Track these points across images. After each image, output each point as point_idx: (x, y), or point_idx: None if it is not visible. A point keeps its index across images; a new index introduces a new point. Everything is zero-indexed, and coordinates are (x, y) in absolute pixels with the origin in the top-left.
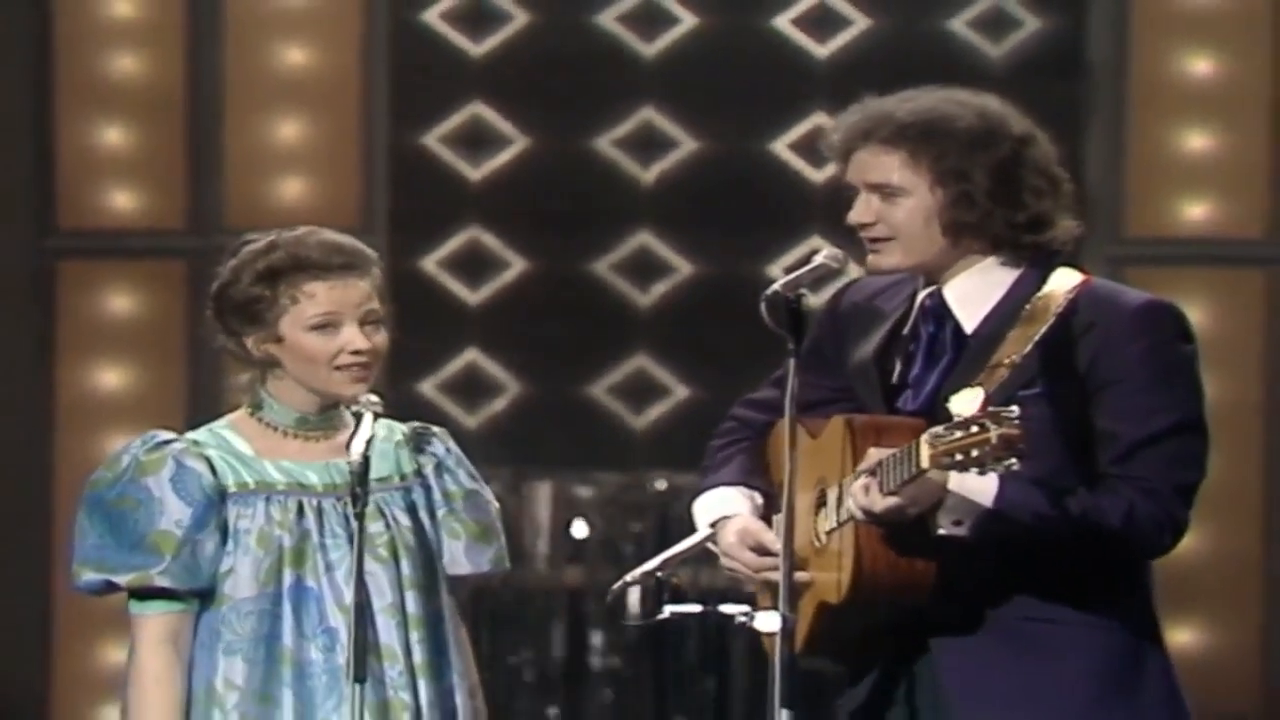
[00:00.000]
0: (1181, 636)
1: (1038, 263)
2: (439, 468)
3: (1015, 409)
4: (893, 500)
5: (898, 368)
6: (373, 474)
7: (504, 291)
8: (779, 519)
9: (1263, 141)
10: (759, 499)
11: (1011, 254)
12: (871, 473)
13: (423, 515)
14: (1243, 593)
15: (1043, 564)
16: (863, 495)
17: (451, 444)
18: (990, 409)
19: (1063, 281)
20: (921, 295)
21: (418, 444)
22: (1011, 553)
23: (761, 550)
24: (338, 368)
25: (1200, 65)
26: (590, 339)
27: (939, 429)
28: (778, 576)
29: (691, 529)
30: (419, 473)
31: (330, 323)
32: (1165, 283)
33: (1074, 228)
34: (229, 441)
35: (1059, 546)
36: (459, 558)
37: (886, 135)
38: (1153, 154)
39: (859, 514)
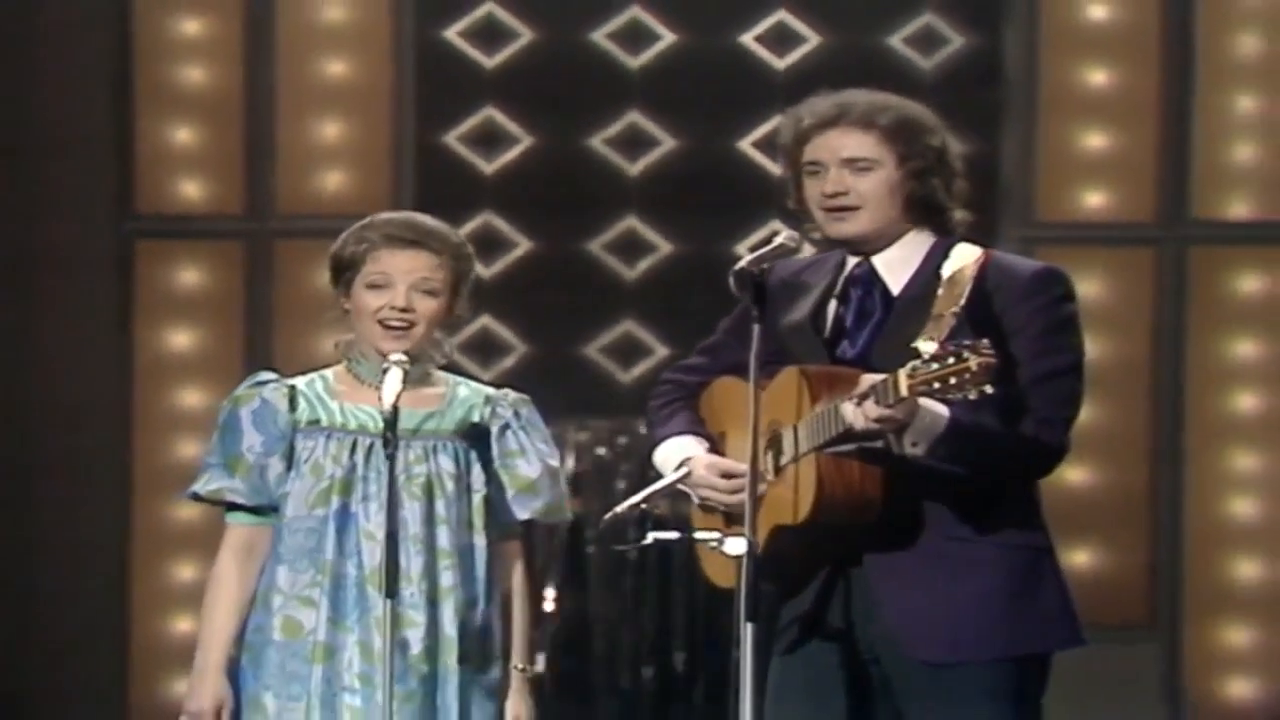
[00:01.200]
0: (1080, 558)
1: (942, 239)
2: (504, 428)
3: (986, 341)
4: (886, 411)
5: (829, 326)
6: (429, 425)
7: (512, 267)
8: (728, 454)
9: (1151, 140)
10: (706, 445)
11: (928, 230)
12: (863, 397)
13: (475, 466)
14: (1131, 521)
15: (961, 490)
16: (854, 410)
17: (524, 410)
18: (967, 342)
19: (966, 254)
20: (851, 265)
21: (492, 407)
22: (948, 473)
23: (730, 475)
24: (379, 321)
25: (1098, 76)
26: (585, 307)
27: (916, 363)
28: (732, 498)
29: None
30: (484, 431)
31: (383, 283)
32: (1068, 259)
33: (966, 215)
34: (322, 386)
35: (986, 465)
36: (508, 505)
37: (859, 118)
38: (1058, 151)
39: (858, 424)
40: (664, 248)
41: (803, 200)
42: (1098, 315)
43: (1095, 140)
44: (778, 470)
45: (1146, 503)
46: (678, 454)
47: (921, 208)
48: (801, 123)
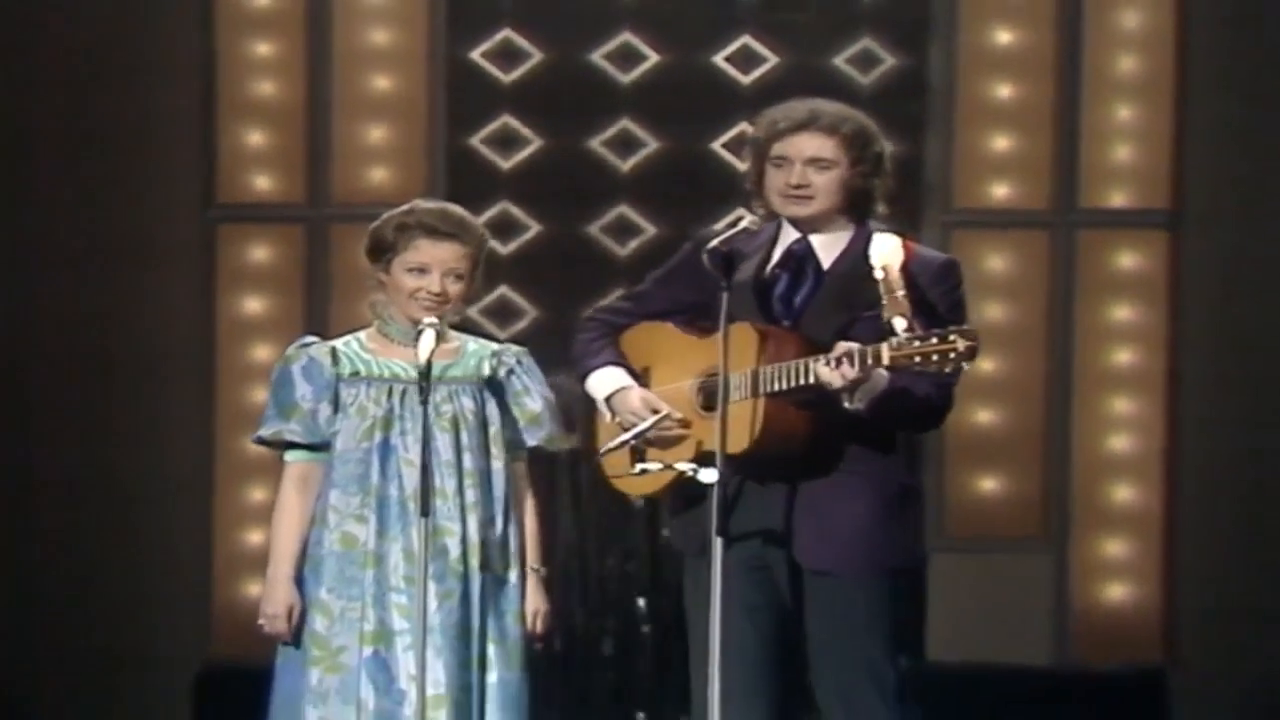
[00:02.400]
0: (988, 483)
1: (861, 226)
2: (510, 373)
3: (968, 326)
4: (859, 375)
5: (769, 290)
6: (451, 373)
7: (525, 246)
8: (650, 392)
9: (1047, 143)
10: (632, 378)
11: (855, 219)
12: (839, 360)
13: (489, 405)
14: (1028, 453)
15: (859, 435)
16: (830, 370)
17: (524, 359)
18: (952, 327)
19: (888, 239)
20: (790, 241)
21: (498, 358)
22: (857, 420)
23: (656, 410)
24: (414, 299)
25: (1005, 89)
26: (585, 280)
27: (901, 339)
28: (673, 431)
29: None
30: (493, 377)
31: (422, 269)
32: (980, 240)
33: (886, 210)
34: (358, 344)
35: (901, 419)
36: (518, 435)
37: (826, 125)
38: (972, 151)
39: (835, 383)
40: (649, 230)
41: (761, 183)
42: (1003, 286)
43: (1002, 142)
44: (709, 408)
45: (1041, 438)
46: (612, 382)
47: (859, 201)
48: (777, 124)
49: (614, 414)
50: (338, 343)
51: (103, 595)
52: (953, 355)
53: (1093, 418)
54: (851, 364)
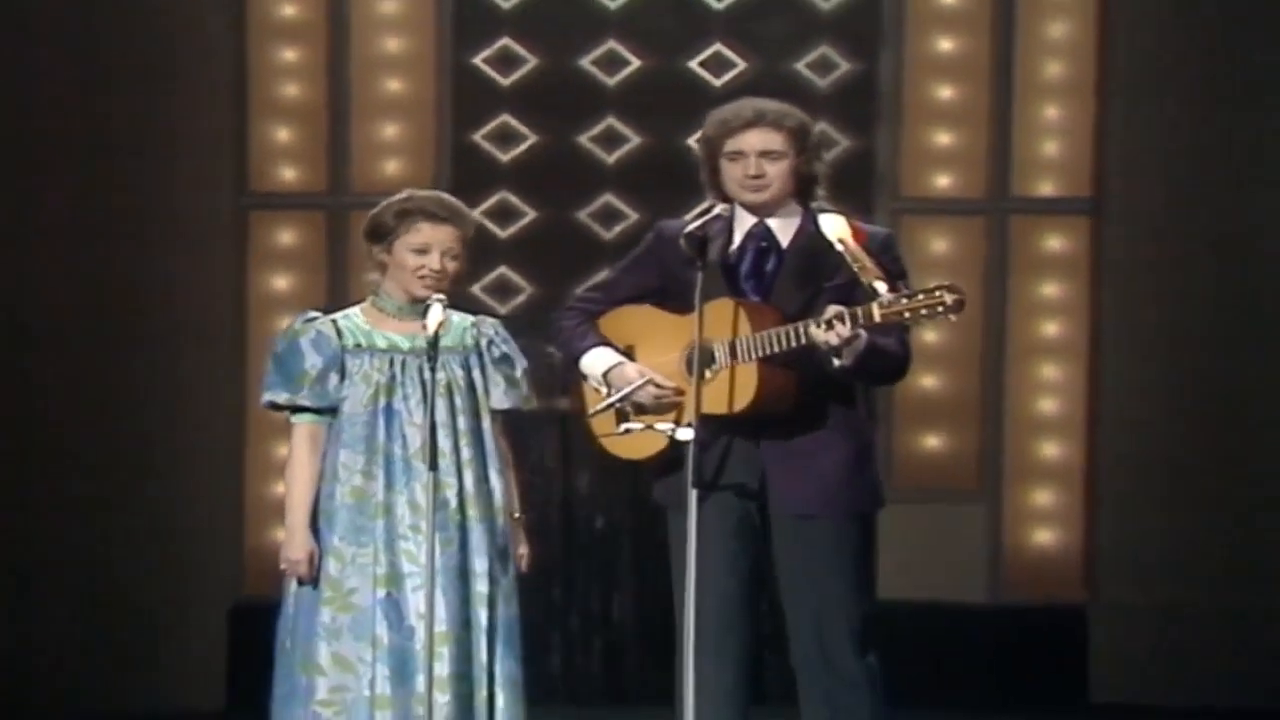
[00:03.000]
0: (930, 440)
1: (806, 207)
2: (489, 343)
3: (953, 293)
4: (851, 333)
5: (730, 274)
6: (442, 343)
7: (521, 231)
8: (640, 365)
9: (983, 139)
10: (614, 353)
11: (802, 202)
12: (831, 322)
13: (475, 371)
14: (966, 413)
15: (831, 393)
16: (823, 332)
17: (500, 329)
18: (935, 283)
19: (833, 218)
20: (749, 225)
21: (478, 329)
22: (841, 378)
23: (656, 383)
24: (419, 277)
25: (946, 91)
26: (574, 260)
27: (888, 298)
28: (670, 399)
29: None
30: (476, 346)
31: (424, 249)
32: (924, 225)
33: (826, 192)
34: (356, 318)
35: (878, 373)
36: (499, 398)
37: (772, 121)
38: (917, 146)
39: (833, 341)
40: (632, 216)
41: (716, 176)
42: (944, 265)
43: (943, 138)
44: (714, 373)
45: (977, 401)
46: (606, 359)
47: (806, 186)
48: (728, 123)
49: (611, 387)
50: (337, 317)
51: (148, 541)
52: (940, 308)
53: (1023, 383)
54: (844, 324)
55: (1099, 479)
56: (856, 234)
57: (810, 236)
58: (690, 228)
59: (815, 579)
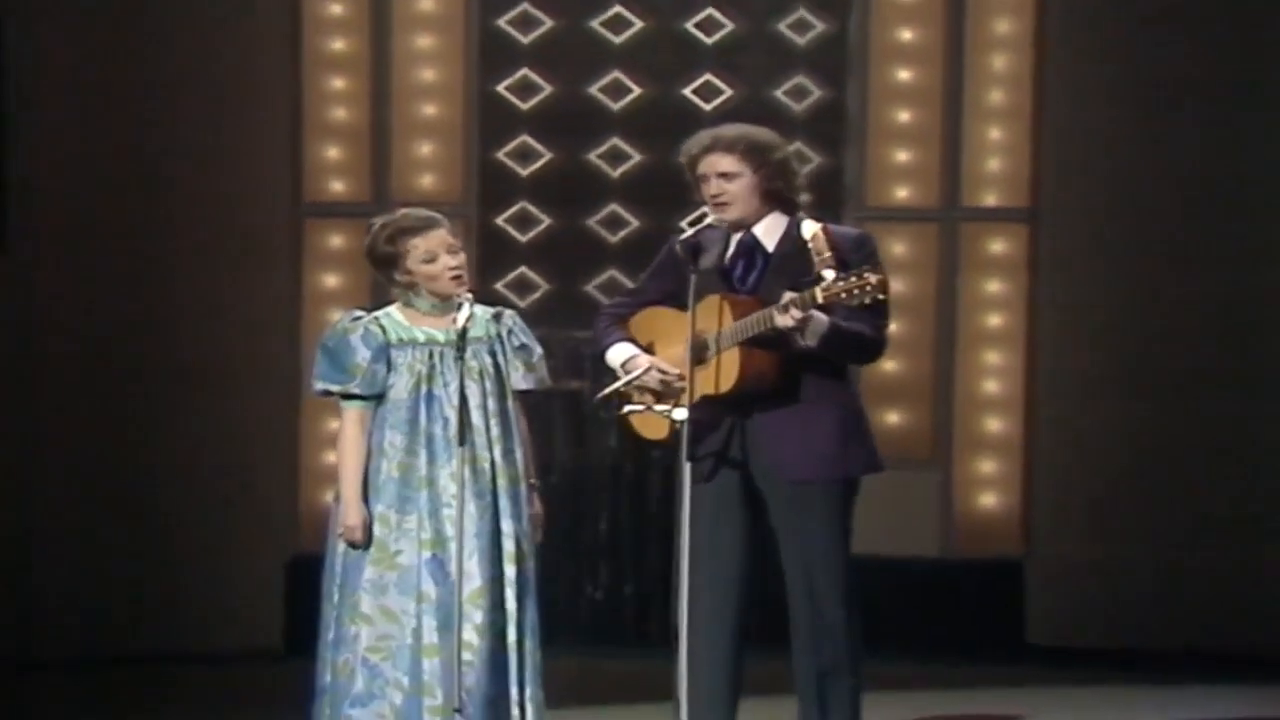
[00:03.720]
0: (892, 416)
1: (791, 216)
2: (509, 332)
3: (875, 274)
4: (802, 315)
5: (724, 276)
6: (471, 334)
7: (538, 236)
8: (659, 357)
9: (936, 155)
10: (640, 350)
11: (781, 211)
12: (786, 306)
13: (499, 357)
14: (922, 392)
15: (817, 372)
16: (781, 315)
17: (518, 320)
18: (864, 267)
19: (811, 224)
20: (738, 236)
21: (497, 320)
22: (816, 358)
23: (663, 372)
24: (449, 279)
25: (905, 115)
26: (585, 261)
27: (828, 281)
28: (673, 384)
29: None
30: (498, 335)
31: (432, 257)
32: (886, 231)
33: (808, 198)
34: (395, 315)
35: (846, 353)
36: (518, 380)
37: (725, 145)
38: (880, 163)
39: (787, 323)
40: (634, 223)
41: (701, 196)
42: (903, 266)
43: (902, 156)
44: (701, 363)
45: (931, 383)
46: (624, 352)
47: (774, 198)
48: (691, 151)
49: (628, 374)
50: (379, 315)
51: (216, 504)
52: (868, 288)
53: (970, 367)
54: (796, 306)
55: (1035, 450)
56: (828, 234)
57: (792, 241)
58: (684, 237)
59: (808, 540)
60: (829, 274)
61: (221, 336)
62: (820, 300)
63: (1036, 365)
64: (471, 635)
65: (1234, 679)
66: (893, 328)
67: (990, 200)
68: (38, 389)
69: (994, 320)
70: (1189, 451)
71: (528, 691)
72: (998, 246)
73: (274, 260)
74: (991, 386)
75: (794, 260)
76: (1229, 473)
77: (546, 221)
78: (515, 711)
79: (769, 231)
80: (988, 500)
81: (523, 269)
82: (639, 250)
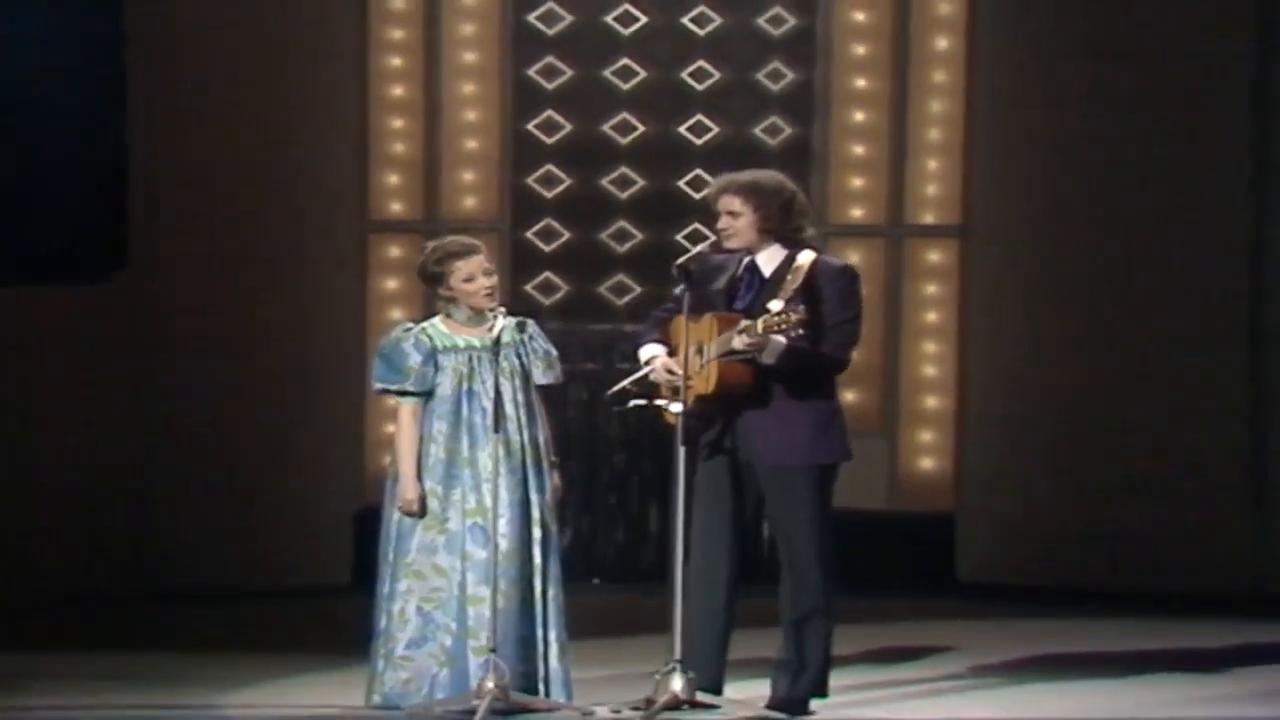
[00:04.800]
0: (850, 396)
1: (792, 247)
2: (531, 339)
3: (802, 307)
4: (752, 341)
5: (734, 292)
6: (504, 340)
7: (560, 248)
8: (677, 358)
9: (885, 183)
10: (666, 350)
11: (782, 243)
12: (742, 331)
13: (524, 358)
14: (874, 378)
15: (792, 376)
16: (742, 338)
17: (536, 328)
18: (790, 305)
19: (805, 256)
20: (745, 261)
21: (521, 329)
22: (785, 369)
23: (671, 370)
24: (483, 296)
25: (859, 149)
26: (598, 269)
27: (768, 315)
28: (675, 381)
29: (638, 361)
30: (522, 341)
31: (471, 278)
32: (844, 244)
33: (812, 234)
34: (438, 326)
35: (804, 369)
36: (539, 377)
37: (733, 189)
38: (839, 188)
39: (738, 345)
40: (638, 237)
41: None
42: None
43: (857, 183)
44: (702, 367)
45: (881, 369)
46: (649, 352)
47: (772, 233)
48: (711, 191)
49: (655, 374)
50: (425, 326)
51: (299, 466)
52: (792, 318)
53: (912, 356)
54: (748, 334)
55: (965, 423)
56: (815, 266)
57: (788, 268)
58: (679, 260)
59: (788, 513)
60: (774, 306)
61: (303, 331)
62: (760, 330)
63: (966, 354)
64: (506, 587)
65: (1141, 616)
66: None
67: (928, 219)
68: (155, 376)
69: (931, 317)
70: (1101, 423)
71: (552, 633)
72: (934, 257)
73: (345, 267)
74: (929, 371)
75: (783, 284)
76: (1137, 441)
77: (566, 235)
78: (541, 649)
79: (769, 260)
80: (925, 464)
81: (547, 274)
82: (642, 259)
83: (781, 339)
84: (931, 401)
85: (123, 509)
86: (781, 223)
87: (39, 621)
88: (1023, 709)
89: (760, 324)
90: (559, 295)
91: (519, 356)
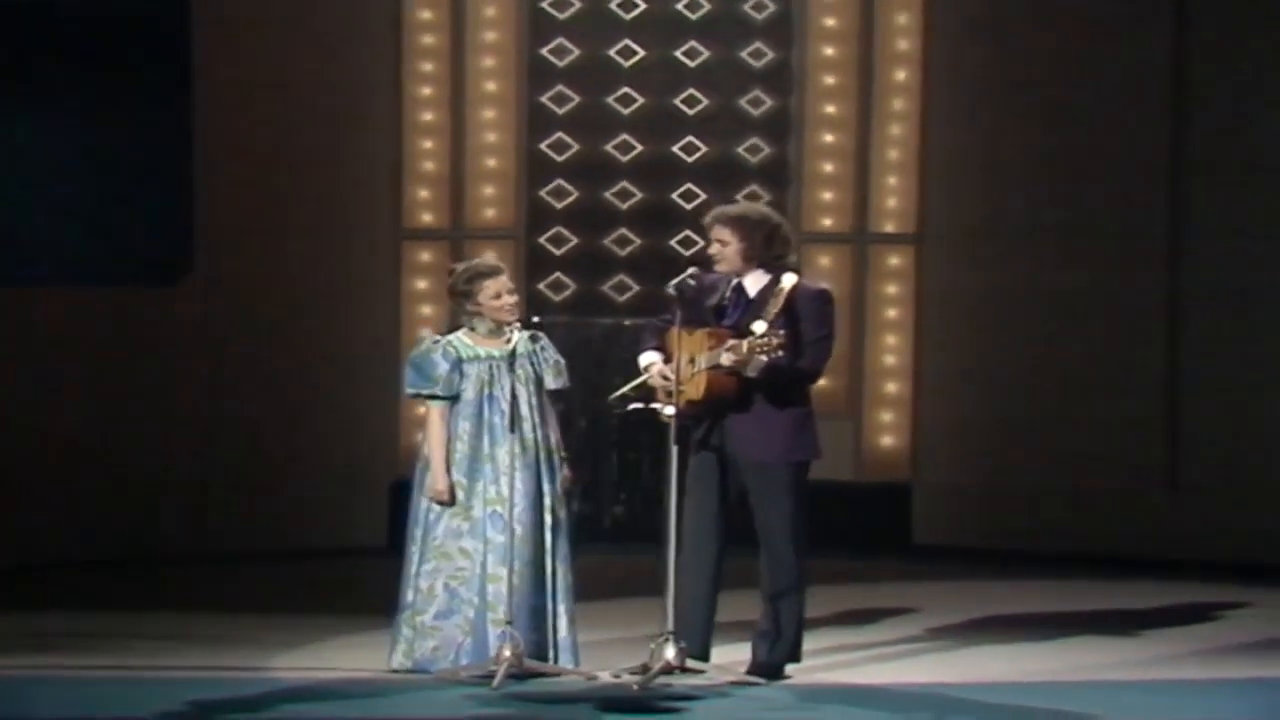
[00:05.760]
0: (821, 383)
1: (774, 271)
2: (542, 349)
3: (783, 332)
4: (737, 358)
5: (724, 310)
6: (519, 351)
7: (568, 251)
8: (672, 365)
9: (851, 196)
10: (663, 357)
11: (765, 268)
12: (731, 348)
13: (538, 365)
14: (840, 367)
15: (772, 385)
16: (729, 355)
17: (545, 338)
18: (773, 329)
19: (787, 279)
20: (733, 283)
21: (534, 340)
22: (766, 382)
23: (665, 376)
24: (504, 313)
25: (828, 167)
26: (601, 271)
27: (753, 337)
28: (669, 387)
29: (637, 367)
30: (534, 351)
31: (498, 294)
32: (817, 250)
33: (795, 260)
34: (462, 338)
35: (786, 379)
36: (550, 382)
37: (723, 220)
38: (813, 200)
39: (725, 361)
40: (637, 243)
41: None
42: (829, 274)
43: (828, 196)
44: (693, 376)
45: (847, 358)
46: (648, 358)
47: (757, 259)
48: (707, 221)
49: (652, 379)
50: (451, 338)
51: (344, 443)
52: (774, 343)
53: (875, 347)
54: (734, 353)
55: (921, 407)
56: (795, 289)
57: (767, 291)
58: (673, 282)
59: (767, 505)
60: (758, 327)
61: (347, 325)
62: (744, 351)
63: (921, 346)
64: (521, 567)
65: (1072, 577)
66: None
67: (889, 228)
68: (217, 366)
69: (891, 314)
70: (1036, 406)
71: (561, 606)
72: (894, 261)
73: (382, 270)
74: (889, 361)
75: (765, 306)
76: (1067, 422)
77: (574, 241)
78: (551, 620)
79: (754, 282)
80: (886, 441)
81: (557, 274)
82: (640, 263)
83: (763, 358)
84: (891, 387)
85: (189, 481)
86: (765, 250)
87: (108, 579)
88: (969, 672)
89: (745, 345)
90: (568, 293)
91: (532, 365)
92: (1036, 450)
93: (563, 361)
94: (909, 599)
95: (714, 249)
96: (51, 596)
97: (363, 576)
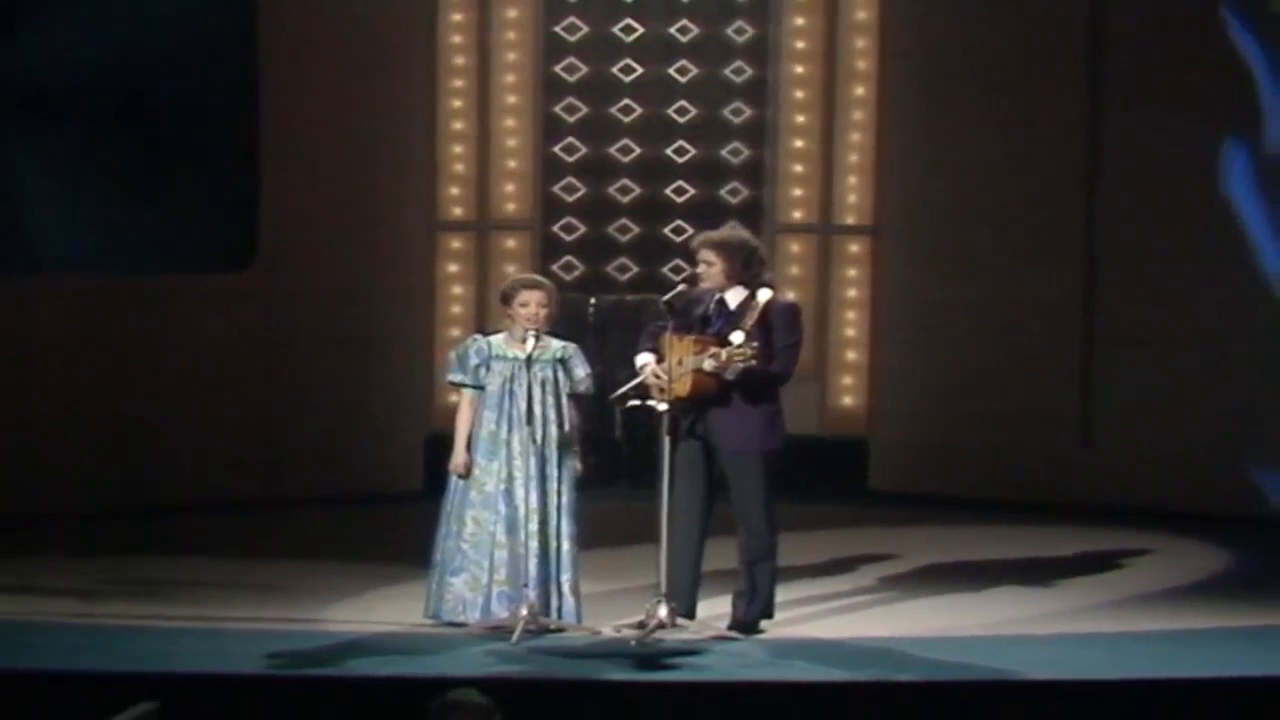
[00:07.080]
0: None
1: (752, 287)
2: (569, 358)
3: (756, 343)
4: (717, 365)
5: (707, 320)
6: (540, 356)
7: (578, 238)
8: (663, 366)
9: (818, 192)
10: (657, 358)
11: (744, 285)
12: (713, 355)
13: (561, 370)
14: (809, 341)
15: (747, 386)
16: (711, 361)
17: (574, 351)
18: (749, 340)
19: (763, 294)
20: (716, 298)
21: (564, 350)
22: (742, 383)
23: (658, 375)
24: (525, 320)
25: (800, 168)
26: (604, 253)
27: (731, 346)
28: (660, 385)
29: (634, 367)
30: (562, 358)
31: (526, 304)
32: (788, 239)
33: (769, 277)
34: (499, 339)
35: (760, 381)
36: (574, 387)
37: (709, 244)
38: (785, 196)
39: (707, 366)
40: (636, 231)
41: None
42: (798, 260)
43: (798, 192)
44: (681, 376)
45: (814, 331)
46: (644, 359)
47: (736, 278)
48: (693, 244)
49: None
50: (491, 338)
51: (386, 407)
52: (748, 353)
53: (838, 322)
54: (715, 360)
55: (876, 373)
56: (770, 303)
57: (745, 304)
58: (666, 297)
59: (742, 487)
60: (736, 338)
61: (388, 304)
62: (724, 358)
63: (877, 321)
64: (531, 540)
65: (999, 523)
66: (792, 297)
67: (850, 221)
68: (277, 342)
69: (852, 294)
70: (974, 372)
71: (565, 576)
72: (854, 249)
73: (419, 255)
74: (850, 333)
75: (743, 317)
76: (1000, 385)
77: (582, 230)
78: (555, 589)
79: (734, 297)
80: (846, 401)
81: (568, 258)
82: (639, 249)
83: (740, 364)
84: (851, 355)
85: (256, 433)
86: (744, 270)
87: (190, 526)
88: (915, 625)
89: (725, 353)
90: (577, 273)
91: (554, 370)
92: (975, 409)
93: (589, 370)
94: (865, 545)
95: (701, 269)
96: (118, 543)
97: (403, 519)
